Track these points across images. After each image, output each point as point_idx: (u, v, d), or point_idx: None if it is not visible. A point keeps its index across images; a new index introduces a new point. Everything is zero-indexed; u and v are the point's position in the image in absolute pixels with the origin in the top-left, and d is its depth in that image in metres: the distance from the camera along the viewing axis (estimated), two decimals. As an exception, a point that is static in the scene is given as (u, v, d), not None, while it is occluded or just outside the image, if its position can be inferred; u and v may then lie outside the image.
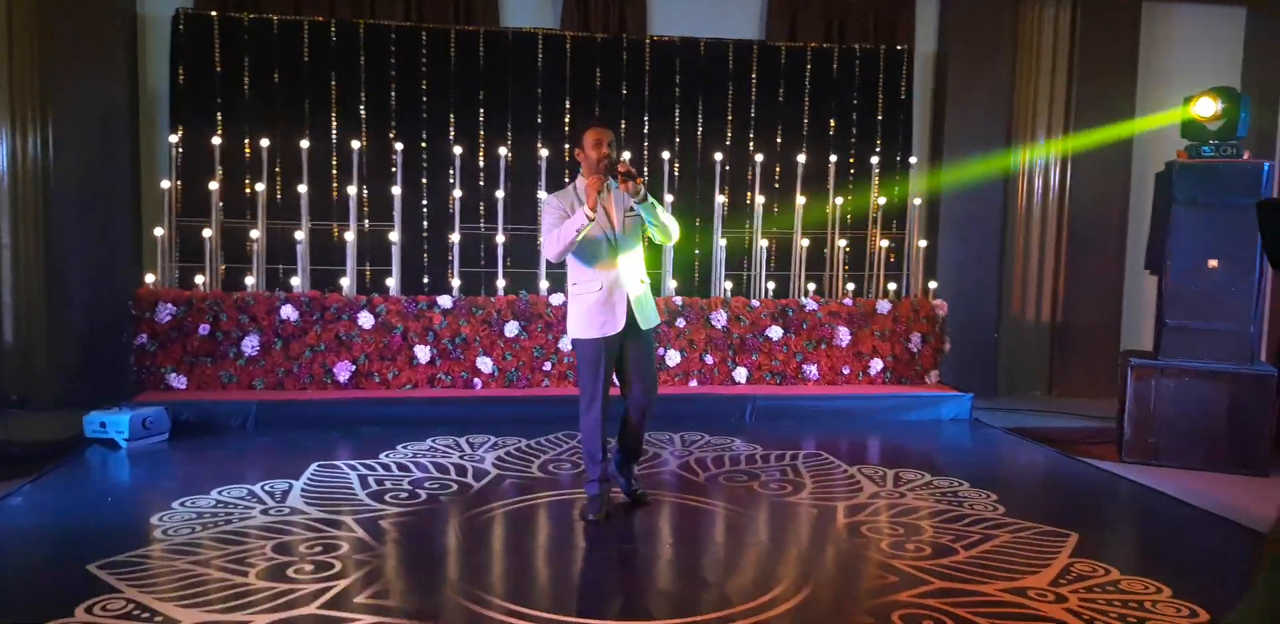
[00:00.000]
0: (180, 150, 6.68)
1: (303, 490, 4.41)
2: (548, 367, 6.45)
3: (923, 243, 7.19)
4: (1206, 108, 5.35)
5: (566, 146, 7.22)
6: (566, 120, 7.27)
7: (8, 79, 6.46)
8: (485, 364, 6.37)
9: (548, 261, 6.52)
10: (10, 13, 6.45)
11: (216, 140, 6.59)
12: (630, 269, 4.03)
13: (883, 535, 3.90)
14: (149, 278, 6.23)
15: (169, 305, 6.03)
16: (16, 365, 6.61)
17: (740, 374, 6.68)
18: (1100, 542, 3.91)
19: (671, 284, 6.85)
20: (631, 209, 3.99)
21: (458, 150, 6.86)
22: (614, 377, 4.13)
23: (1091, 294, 7.80)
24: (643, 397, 4.12)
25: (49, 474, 4.69)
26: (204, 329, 6.06)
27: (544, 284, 6.63)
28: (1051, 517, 4.18)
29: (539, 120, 7.24)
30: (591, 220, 3.87)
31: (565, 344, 6.40)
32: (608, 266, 3.99)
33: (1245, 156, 5.29)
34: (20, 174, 6.57)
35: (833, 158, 7.33)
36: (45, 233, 6.62)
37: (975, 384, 7.04)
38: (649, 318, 4.09)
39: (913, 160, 7.53)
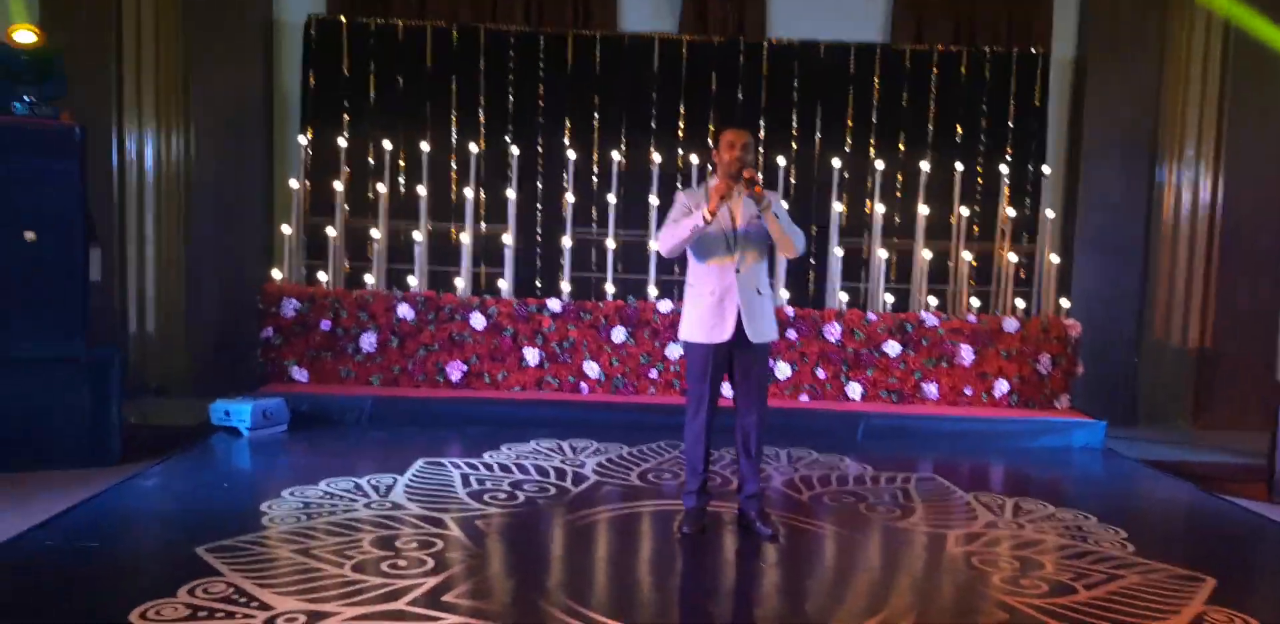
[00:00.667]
0: (309, 151, 6.98)
1: (406, 486, 4.51)
2: (654, 374, 6.42)
3: (1055, 258, 6.84)
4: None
5: (679, 151, 7.21)
6: (680, 125, 7.27)
7: (154, 84, 6.88)
8: (592, 369, 6.39)
9: (658, 261, 6.57)
10: (157, 22, 6.86)
11: (342, 142, 6.85)
12: (748, 278, 3.94)
13: (997, 568, 3.70)
14: (276, 274, 6.52)
15: (293, 301, 6.29)
16: (157, 354, 7.03)
17: (854, 390, 6.49)
18: (1240, 589, 3.60)
19: (784, 294, 6.72)
20: (758, 216, 3.92)
21: (571, 154, 6.93)
22: (725, 387, 4.07)
23: (1244, 318, 7.23)
24: (747, 412, 4.03)
25: (174, 458, 4.95)
26: (325, 325, 6.30)
27: (653, 290, 6.61)
28: (1186, 559, 3.87)
29: (653, 125, 7.26)
30: (708, 223, 3.83)
31: (671, 352, 6.37)
32: (723, 272, 3.93)
33: None
34: (164, 173, 6.98)
35: (959, 166, 7.07)
36: (185, 229, 7.02)
37: (1110, 411, 6.65)
38: (761, 331, 3.96)
39: (1046, 170, 7.18)
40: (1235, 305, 7.25)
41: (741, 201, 3.95)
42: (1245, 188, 7.25)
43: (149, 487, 4.45)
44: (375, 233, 6.68)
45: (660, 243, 3.98)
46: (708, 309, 3.93)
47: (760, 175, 3.87)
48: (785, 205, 4.09)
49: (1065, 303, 6.71)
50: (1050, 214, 7.00)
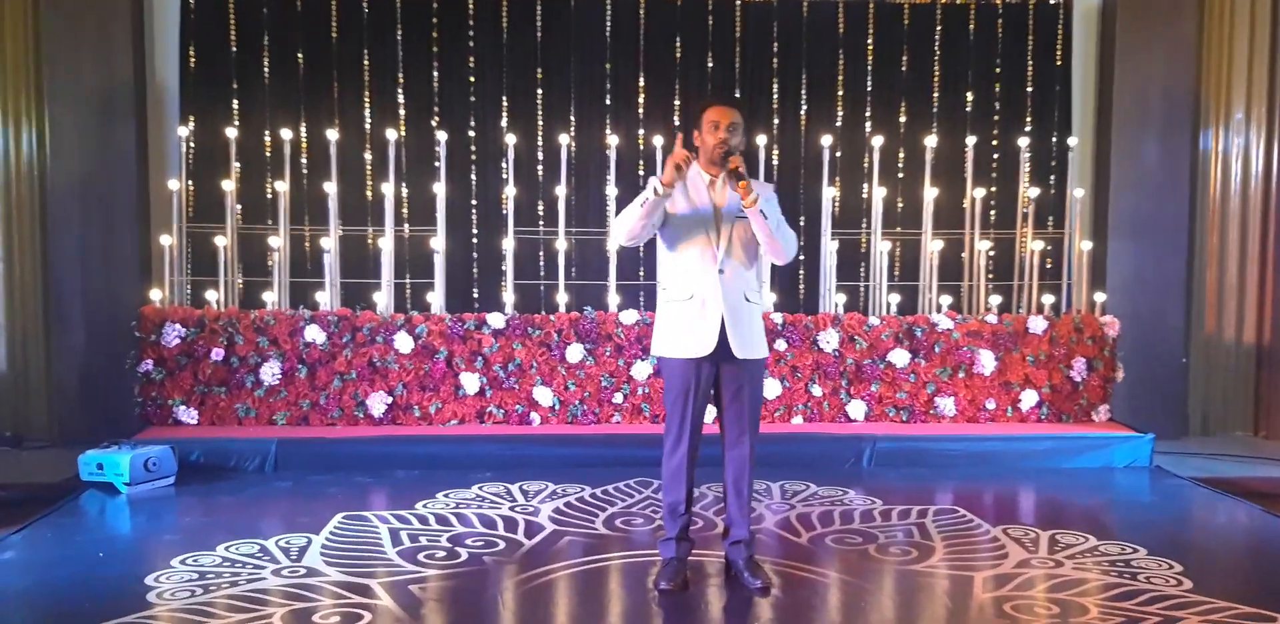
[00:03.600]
0: (191, 145, 6.94)
1: (323, 547, 4.48)
2: (618, 398, 6.44)
3: (1087, 245, 6.96)
4: None
5: (640, 133, 7.25)
6: (640, 102, 7.31)
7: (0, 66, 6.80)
8: (544, 395, 6.39)
9: (620, 263, 6.63)
10: (0, -8, 6.80)
11: (232, 133, 6.82)
12: (734, 281, 3.96)
13: (1033, 615, 3.75)
14: (155, 294, 6.45)
15: (177, 326, 6.23)
16: (11, 396, 6.93)
17: (856, 409, 6.55)
18: (1319, 629, 3.67)
19: (770, 298, 6.77)
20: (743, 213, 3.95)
21: (511, 140, 6.95)
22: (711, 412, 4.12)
23: (1311, 307, 7.41)
24: (737, 442, 4.05)
25: (37, 523, 4.86)
26: (217, 354, 6.25)
27: (614, 298, 6.63)
28: (1252, 595, 3.94)
29: (608, 102, 7.31)
30: (660, 195, 3.80)
31: (638, 371, 6.39)
32: (705, 272, 3.95)
33: None
34: (14, 176, 6.90)
35: (971, 140, 7.18)
36: (43, 244, 6.93)
37: (1158, 422, 6.74)
38: (749, 345, 3.97)
39: (1072, 142, 7.31)
40: (1299, 293, 7.42)
41: (727, 191, 3.98)
42: (1303, 155, 7.43)
43: (7, 560, 4.36)
44: (275, 241, 6.64)
45: (614, 227, 3.97)
46: (685, 317, 3.95)
47: (744, 166, 3.88)
48: (776, 200, 4.09)
49: (1100, 296, 6.83)
50: (1079, 193, 7.12)
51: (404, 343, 6.33)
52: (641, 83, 7.32)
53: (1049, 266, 7.15)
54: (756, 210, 3.88)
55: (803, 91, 7.42)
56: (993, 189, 7.29)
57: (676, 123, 7.28)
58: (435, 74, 7.22)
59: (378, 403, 6.33)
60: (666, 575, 4.02)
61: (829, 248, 6.86)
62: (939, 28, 7.41)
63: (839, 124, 7.38)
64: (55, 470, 5.80)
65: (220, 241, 6.58)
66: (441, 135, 6.92)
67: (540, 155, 7.24)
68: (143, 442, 5.79)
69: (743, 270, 4.00)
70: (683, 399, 3.98)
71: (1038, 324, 6.63)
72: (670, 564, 4.06)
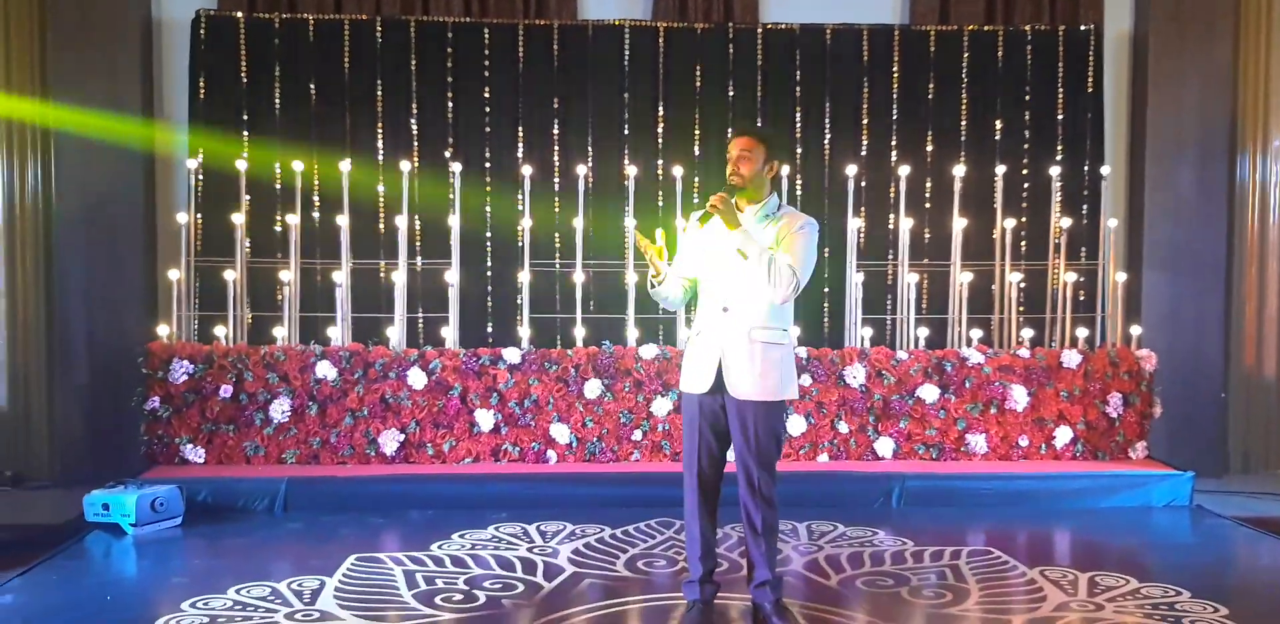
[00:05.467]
0: (200, 177, 7.07)
1: (337, 590, 4.52)
2: (638, 435, 6.48)
3: (1121, 277, 7.00)
4: None
5: (659, 162, 7.36)
6: (659, 131, 7.42)
7: (2, 100, 6.95)
8: (561, 433, 6.45)
9: (638, 295, 6.68)
10: (7, 19, 6.93)
11: (242, 165, 6.92)
12: (738, 319, 4.01)
13: (1072, 660, 3.77)
14: (163, 330, 6.55)
15: (185, 363, 6.32)
16: (12, 435, 7.01)
17: (884, 446, 6.58)
18: (1372, 674, 3.68)
19: (795, 331, 6.80)
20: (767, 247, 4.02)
21: (527, 170, 7.05)
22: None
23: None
24: (741, 480, 4.10)
25: (40, 566, 4.91)
26: (225, 391, 6.32)
27: (633, 332, 6.70)
28: (1303, 639, 3.95)
29: (625, 131, 7.42)
30: (657, 286, 4.09)
31: (658, 407, 6.44)
32: (712, 308, 4.07)
33: None
34: (19, 210, 7.02)
35: (1000, 169, 7.26)
36: (47, 278, 7.04)
37: (1197, 460, 6.77)
38: (747, 385, 3.99)
39: (1105, 171, 7.37)
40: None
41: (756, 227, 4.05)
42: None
43: (9, 604, 4.41)
44: (285, 275, 6.74)
45: None
46: (693, 352, 4.12)
47: (727, 201, 3.93)
48: (806, 233, 4.11)
49: (1136, 330, 6.86)
50: (1113, 223, 7.17)
51: (417, 379, 6.40)
52: (660, 112, 7.45)
53: (1082, 299, 7.17)
54: (733, 247, 3.96)
55: (826, 120, 7.54)
56: (1023, 219, 7.36)
57: (697, 153, 7.41)
58: (450, 104, 7.36)
59: (390, 441, 6.39)
60: (691, 619, 4.07)
61: (855, 280, 6.92)
62: (966, 55, 7.51)
63: (864, 153, 7.48)
64: (58, 511, 5.86)
65: (229, 276, 6.68)
66: (456, 166, 7.04)
67: (557, 186, 7.35)
68: (149, 481, 5.87)
69: (748, 308, 4.02)
70: (691, 435, 4.11)
71: (1071, 358, 6.65)
72: (694, 607, 4.11)
